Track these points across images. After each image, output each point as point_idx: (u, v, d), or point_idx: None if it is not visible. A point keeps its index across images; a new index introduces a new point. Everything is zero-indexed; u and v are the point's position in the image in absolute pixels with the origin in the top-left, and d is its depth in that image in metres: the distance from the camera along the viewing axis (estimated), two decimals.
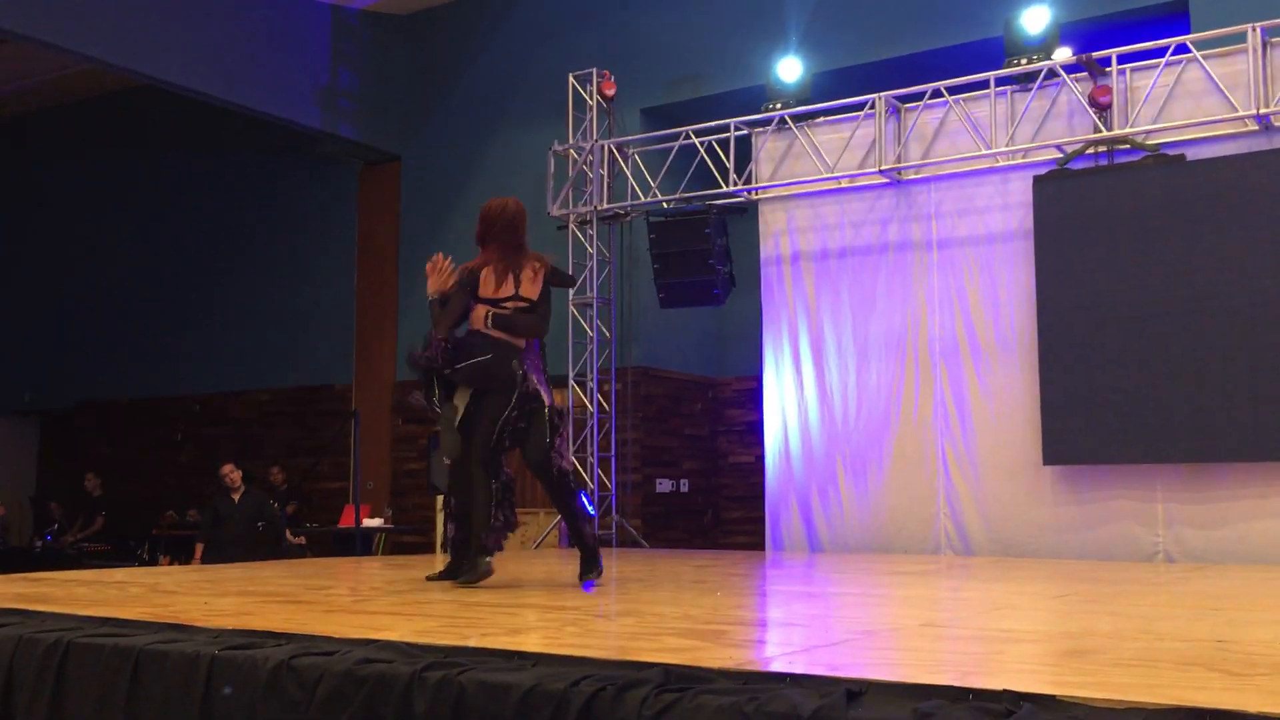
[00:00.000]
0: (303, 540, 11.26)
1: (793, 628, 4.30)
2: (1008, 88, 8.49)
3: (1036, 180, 8.26)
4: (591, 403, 10.07)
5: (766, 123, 9.44)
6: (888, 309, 8.96)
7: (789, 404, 9.31)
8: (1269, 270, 7.40)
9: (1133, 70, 8.08)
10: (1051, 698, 2.45)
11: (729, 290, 9.80)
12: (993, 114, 8.42)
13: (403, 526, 11.62)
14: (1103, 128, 8.08)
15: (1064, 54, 8.38)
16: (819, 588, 6.12)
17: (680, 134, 9.71)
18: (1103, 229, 7.96)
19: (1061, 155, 8.26)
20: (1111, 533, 7.95)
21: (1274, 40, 7.61)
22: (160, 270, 14.30)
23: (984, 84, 8.50)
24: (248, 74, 10.98)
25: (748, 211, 9.80)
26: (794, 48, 9.73)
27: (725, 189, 9.53)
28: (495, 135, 11.73)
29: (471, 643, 3.28)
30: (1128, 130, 7.99)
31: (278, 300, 13.27)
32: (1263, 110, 7.49)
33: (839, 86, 9.48)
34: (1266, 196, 7.45)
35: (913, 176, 8.95)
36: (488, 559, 5.30)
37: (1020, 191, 8.43)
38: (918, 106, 8.84)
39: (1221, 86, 7.68)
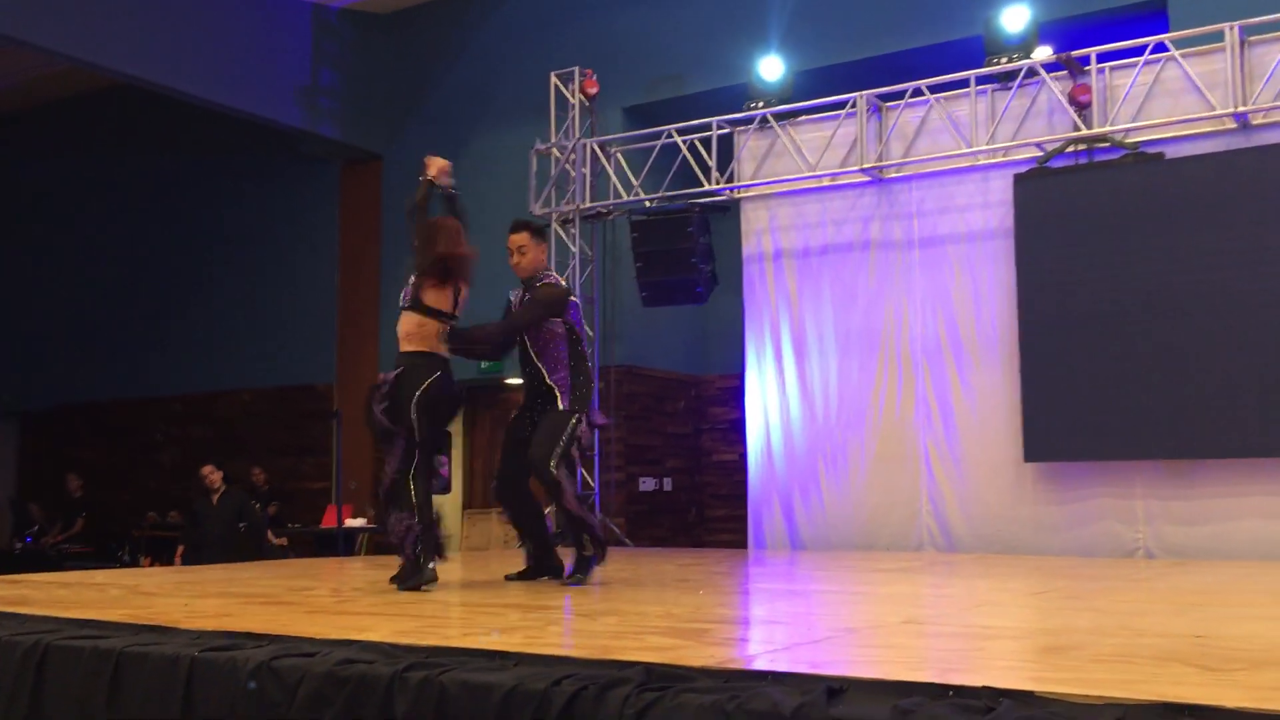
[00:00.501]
0: (284, 541, 11.22)
1: (775, 626, 4.30)
2: (988, 86, 8.52)
3: (1017, 179, 8.29)
4: None
5: (748, 121, 9.45)
6: (869, 307, 8.98)
7: (771, 402, 9.33)
8: (1246, 268, 7.44)
9: (1112, 69, 8.13)
10: (1031, 694, 2.46)
11: (711, 288, 9.81)
12: (973, 113, 8.45)
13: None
14: (1082, 126, 8.12)
15: (1044, 53, 8.42)
16: (801, 585, 6.14)
17: (662, 133, 9.71)
18: (1082, 227, 8.00)
19: (1041, 154, 8.30)
20: (1092, 529, 7.99)
21: (1251, 39, 7.66)
22: (141, 270, 14.22)
23: (964, 83, 8.53)
24: (228, 73, 10.93)
25: (730, 210, 9.81)
26: (775, 46, 9.74)
27: (707, 187, 9.54)
28: (477, 134, 11.70)
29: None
30: (1107, 129, 8.04)
31: (259, 300, 13.21)
32: (1240, 109, 7.54)
33: (820, 85, 9.50)
34: (1244, 195, 7.49)
35: (894, 175, 8.98)
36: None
37: (1001, 190, 8.47)
38: (899, 105, 8.86)
39: (1200, 85, 7.72)
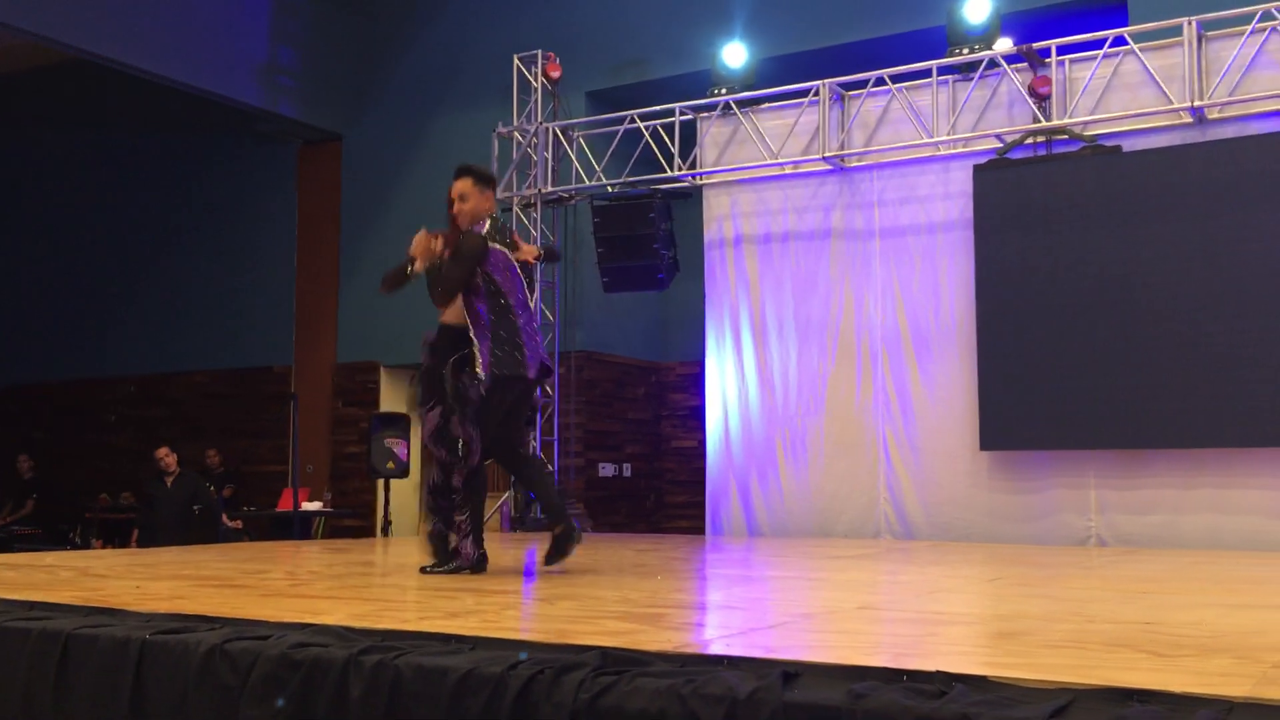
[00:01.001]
0: (239, 524, 11.12)
1: (731, 611, 4.32)
2: (949, 77, 8.56)
3: (976, 169, 8.35)
4: None
5: (711, 108, 9.45)
6: (830, 295, 9.02)
7: (730, 389, 9.35)
8: (1200, 261, 7.54)
9: (1072, 61, 8.19)
10: (983, 679, 2.48)
11: (673, 275, 9.82)
12: (935, 103, 8.49)
13: (343, 510, 11.52)
14: (1042, 118, 8.18)
15: (1005, 44, 8.47)
16: (758, 571, 6.16)
17: (625, 118, 9.68)
18: (1041, 218, 8.07)
19: (1001, 145, 8.36)
20: (1046, 517, 8.08)
21: (1209, 34, 7.75)
22: (95, 249, 14.00)
23: (926, 73, 8.57)
24: (186, 50, 10.75)
25: (692, 196, 9.81)
26: (739, 33, 9.73)
27: (670, 174, 9.53)
28: (438, 116, 11.61)
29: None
30: (1066, 121, 8.10)
31: (216, 280, 13.05)
32: (1197, 103, 7.63)
33: (784, 73, 9.51)
34: (1199, 188, 7.59)
35: (856, 164, 9.01)
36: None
37: (961, 180, 8.52)
38: (861, 94, 8.89)
39: (1157, 79, 7.80)
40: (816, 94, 8.93)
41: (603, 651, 2.79)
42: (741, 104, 9.31)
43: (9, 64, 14.12)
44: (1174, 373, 7.58)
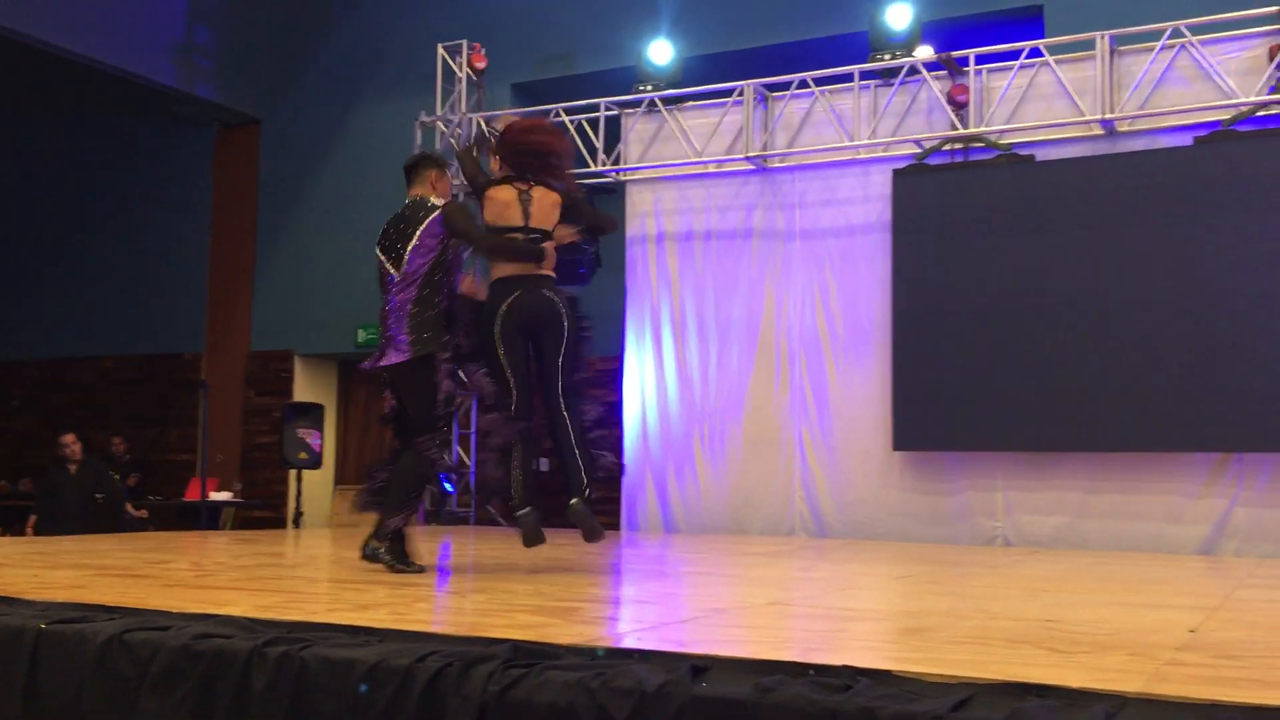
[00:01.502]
0: (145, 513, 10.86)
1: (644, 605, 4.33)
2: (871, 82, 8.68)
3: (895, 174, 8.48)
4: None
5: (636, 104, 9.46)
6: (749, 294, 9.09)
7: (649, 385, 9.38)
8: (1108, 269, 7.74)
9: (989, 71, 8.35)
10: (888, 673, 2.52)
11: (595, 270, 9.79)
12: (856, 107, 8.60)
13: (253, 501, 11.31)
14: (959, 125, 8.33)
15: (925, 52, 8.62)
16: (672, 567, 6.19)
17: (550, 111, 9.64)
18: (957, 224, 8.22)
19: (920, 150, 8.49)
20: (955, 517, 8.24)
21: (1121, 49, 7.96)
22: (3, 228, 13.56)
23: (849, 77, 8.67)
24: (98, 26, 10.44)
25: (615, 192, 9.80)
26: (666, 31, 9.75)
27: (594, 168, 9.51)
28: (361, 102, 11.45)
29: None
30: (982, 129, 8.26)
31: (127, 263, 12.72)
32: (1108, 115, 7.83)
33: (709, 71, 9.55)
34: (1108, 199, 7.79)
35: (778, 165, 9.09)
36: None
37: (880, 184, 8.64)
38: (785, 96, 8.97)
39: (1070, 91, 7.99)
40: (741, 94, 8.99)
41: (514, 645, 2.78)
42: (666, 101, 9.33)
43: None
44: (1081, 378, 7.78)
